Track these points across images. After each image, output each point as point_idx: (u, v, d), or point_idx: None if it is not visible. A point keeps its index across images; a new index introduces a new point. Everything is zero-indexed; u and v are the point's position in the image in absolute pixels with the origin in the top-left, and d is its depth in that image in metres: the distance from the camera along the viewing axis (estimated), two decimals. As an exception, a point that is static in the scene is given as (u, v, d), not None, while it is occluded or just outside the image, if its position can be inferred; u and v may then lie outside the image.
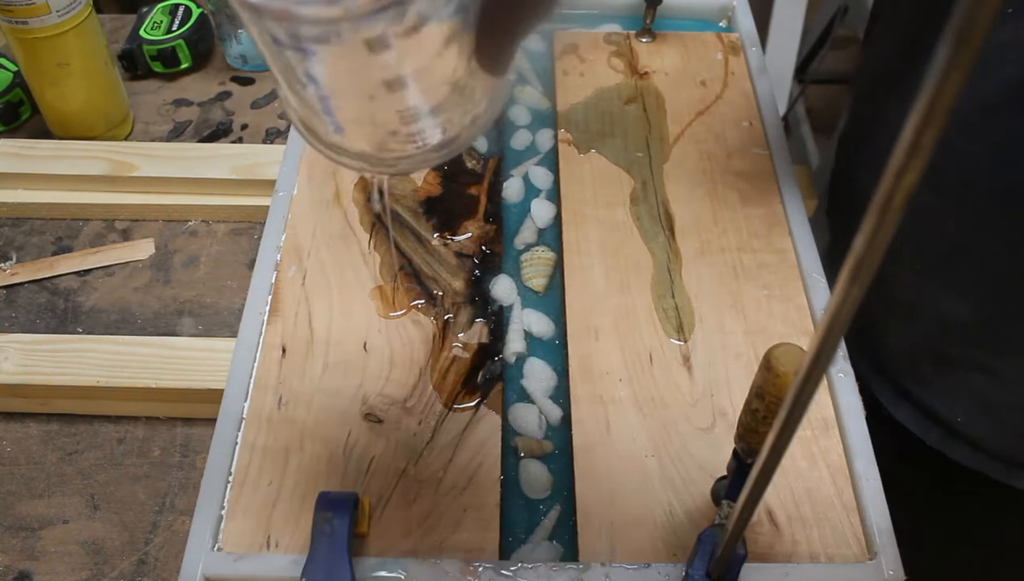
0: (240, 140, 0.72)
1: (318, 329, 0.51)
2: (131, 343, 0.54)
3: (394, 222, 0.56)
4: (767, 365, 0.36)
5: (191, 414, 0.53)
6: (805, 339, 0.51)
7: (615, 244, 0.55)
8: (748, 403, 0.39)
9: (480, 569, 0.41)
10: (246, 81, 0.76)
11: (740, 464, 0.41)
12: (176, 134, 0.72)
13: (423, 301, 0.52)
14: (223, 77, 0.77)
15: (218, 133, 0.72)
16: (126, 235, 0.64)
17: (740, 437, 0.40)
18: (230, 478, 0.45)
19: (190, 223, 0.65)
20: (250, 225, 0.65)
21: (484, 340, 0.51)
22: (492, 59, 0.27)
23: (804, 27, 1.60)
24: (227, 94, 0.76)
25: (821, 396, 0.48)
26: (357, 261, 0.54)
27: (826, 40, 1.63)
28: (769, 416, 0.37)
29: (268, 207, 0.56)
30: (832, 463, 0.46)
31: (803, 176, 0.67)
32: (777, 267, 0.54)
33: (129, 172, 0.63)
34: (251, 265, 0.62)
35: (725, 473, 0.44)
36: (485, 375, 0.49)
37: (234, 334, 0.50)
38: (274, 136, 0.71)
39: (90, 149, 0.65)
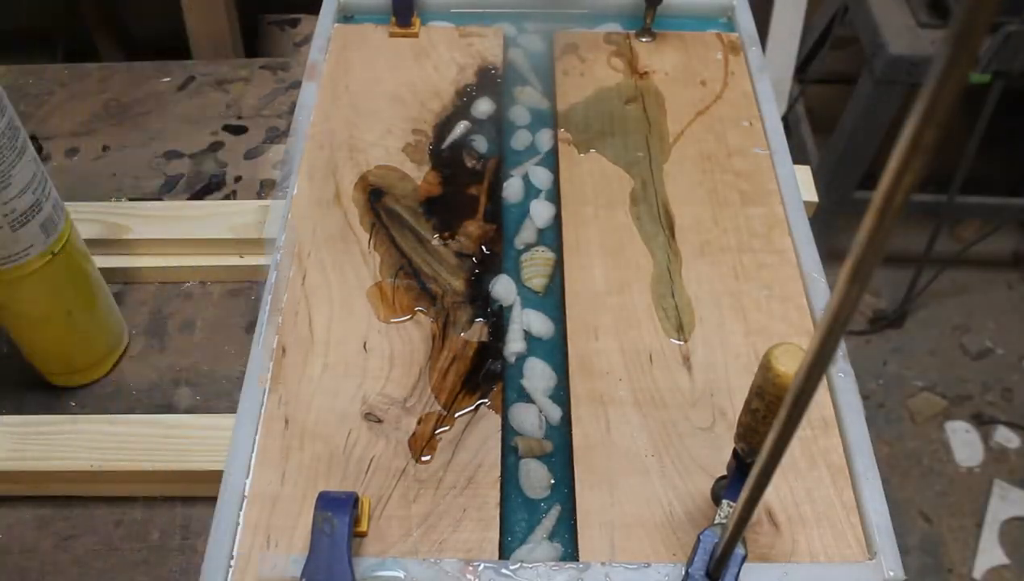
0: (234, 193, 0.70)
1: (318, 329, 0.51)
2: (125, 423, 0.53)
3: (394, 222, 0.56)
4: (767, 365, 0.36)
5: (191, 493, 0.52)
6: (805, 339, 0.51)
7: (615, 244, 0.55)
8: (748, 403, 0.39)
9: (480, 569, 0.41)
10: (239, 130, 0.74)
11: (740, 464, 0.41)
12: (168, 189, 0.70)
13: (424, 307, 0.52)
14: (214, 126, 0.75)
15: (211, 186, 0.70)
16: (119, 299, 0.62)
17: (740, 437, 0.40)
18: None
19: (186, 285, 0.63)
20: (248, 285, 0.63)
21: (484, 340, 0.51)
22: None
23: (804, 27, 1.60)
24: (219, 145, 0.74)
25: (821, 396, 0.48)
26: (357, 261, 0.54)
27: (826, 40, 1.63)
28: (769, 416, 0.38)
29: (266, 266, 0.54)
30: (832, 463, 0.46)
31: (803, 176, 0.67)
32: (777, 267, 0.54)
33: (122, 235, 0.62)
34: (249, 328, 0.60)
35: (725, 473, 0.44)
36: (485, 375, 0.49)
37: (233, 404, 0.48)
38: (268, 188, 0.70)
39: (81, 211, 0.62)
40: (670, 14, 0.69)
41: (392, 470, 0.45)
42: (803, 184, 0.63)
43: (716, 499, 0.45)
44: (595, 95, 0.63)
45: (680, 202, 0.57)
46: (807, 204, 0.60)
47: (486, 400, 0.48)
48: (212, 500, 0.44)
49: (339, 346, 0.50)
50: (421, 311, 0.52)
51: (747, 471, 0.42)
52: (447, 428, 0.47)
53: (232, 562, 0.42)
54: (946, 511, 1.43)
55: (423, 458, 0.46)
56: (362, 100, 0.63)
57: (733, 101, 0.63)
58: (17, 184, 0.47)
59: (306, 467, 0.45)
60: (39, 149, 0.74)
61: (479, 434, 0.47)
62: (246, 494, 0.44)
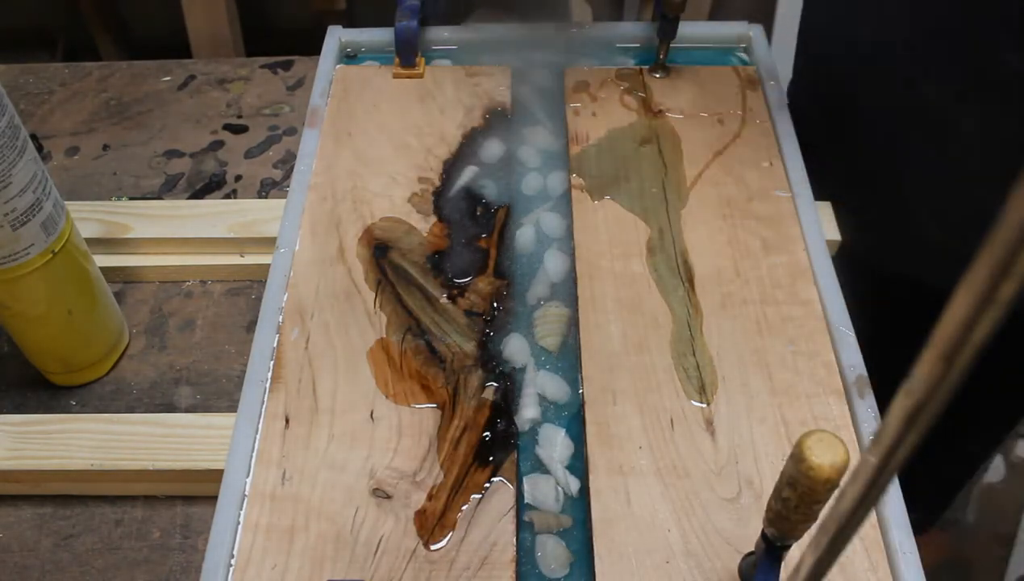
0: (235, 192, 0.69)
1: (322, 397, 0.48)
2: (125, 421, 0.52)
3: (400, 279, 0.53)
4: (799, 455, 0.34)
5: (191, 492, 0.51)
6: (834, 398, 0.48)
7: (632, 298, 0.52)
8: (778, 490, 0.36)
9: (496, 664, 0.39)
10: (239, 129, 0.73)
11: (769, 547, 0.39)
12: (168, 188, 0.70)
13: (433, 372, 0.49)
14: (215, 125, 0.74)
15: (211, 185, 0.70)
16: (119, 298, 0.61)
17: (770, 522, 0.38)
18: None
19: (186, 284, 0.63)
20: (248, 284, 0.62)
21: (496, 406, 0.48)
22: None
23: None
24: (219, 144, 0.73)
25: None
26: (363, 322, 0.51)
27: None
28: (801, 506, 0.35)
29: (266, 265, 0.54)
30: (865, 535, 0.43)
31: (825, 212, 0.64)
32: (802, 320, 0.51)
33: (122, 234, 0.61)
34: (250, 327, 0.59)
35: (752, 550, 0.41)
36: (498, 444, 0.47)
37: (234, 403, 0.48)
38: (269, 187, 0.69)
39: (82, 210, 0.62)
40: (684, 47, 0.66)
41: (402, 551, 0.43)
42: (825, 221, 0.61)
43: (743, 578, 0.43)
44: (608, 136, 0.61)
45: (699, 251, 0.54)
46: (830, 243, 0.58)
47: (499, 471, 0.46)
48: (212, 499, 0.45)
49: (345, 415, 0.48)
50: (429, 376, 0.49)
51: (777, 555, 0.39)
52: (459, 503, 0.45)
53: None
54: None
55: (434, 537, 0.44)
56: (366, 147, 0.60)
57: (752, 140, 0.61)
58: (18, 183, 0.47)
59: (312, 549, 0.43)
60: (39, 148, 0.74)
61: (493, 509, 0.45)
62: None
